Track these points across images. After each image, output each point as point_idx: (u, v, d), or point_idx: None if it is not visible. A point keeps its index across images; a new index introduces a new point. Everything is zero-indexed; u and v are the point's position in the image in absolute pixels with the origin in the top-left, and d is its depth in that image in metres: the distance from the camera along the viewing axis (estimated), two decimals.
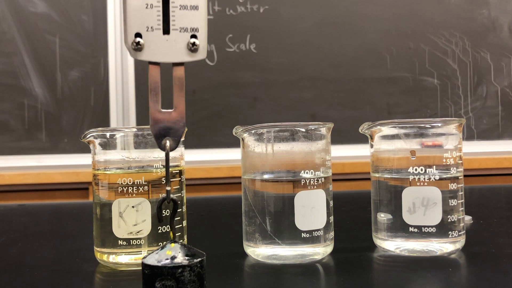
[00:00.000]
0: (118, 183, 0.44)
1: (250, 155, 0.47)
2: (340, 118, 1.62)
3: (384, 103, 1.65)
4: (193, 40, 0.34)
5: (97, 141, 0.46)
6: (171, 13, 0.34)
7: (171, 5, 0.34)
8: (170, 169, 0.36)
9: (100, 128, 0.45)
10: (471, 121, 1.66)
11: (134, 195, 0.44)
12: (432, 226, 0.45)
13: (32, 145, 1.56)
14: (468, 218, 0.62)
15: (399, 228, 0.47)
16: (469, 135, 1.66)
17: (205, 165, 1.54)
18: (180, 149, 0.47)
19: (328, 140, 0.48)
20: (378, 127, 0.49)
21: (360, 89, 1.65)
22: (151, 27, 0.34)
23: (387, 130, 0.49)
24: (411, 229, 0.46)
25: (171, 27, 0.34)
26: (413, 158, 0.46)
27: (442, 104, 1.66)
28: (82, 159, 1.54)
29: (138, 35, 0.34)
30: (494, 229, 0.59)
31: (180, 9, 0.34)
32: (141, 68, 1.58)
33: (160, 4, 0.34)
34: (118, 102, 1.59)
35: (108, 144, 0.45)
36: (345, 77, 1.65)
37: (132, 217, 0.44)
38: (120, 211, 0.44)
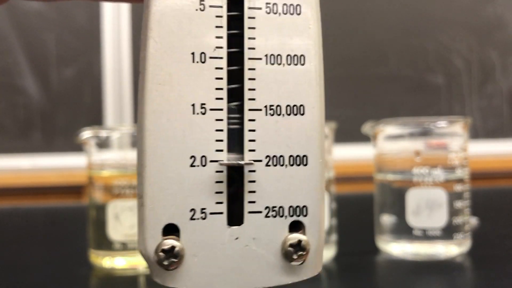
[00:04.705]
0: (114, 185, 0.43)
1: None
2: (343, 117, 1.60)
3: (388, 102, 1.64)
4: (297, 237, 0.18)
5: (92, 141, 0.45)
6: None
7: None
8: None
9: (95, 128, 0.45)
10: (477, 120, 1.65)
11: (130, 196, 0.43)
12: (437, 229, 0.44)
13: (25, 145, 1.55)
14: (474, 220, 0.61)
15: (403, 230, 0.45)
16: (475, 135, 1.64)
17: None
18: None
19: (330, 140, 0.47)
20: (382, 127, 0.48)
21: (364, 87, 1.64)
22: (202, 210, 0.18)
23: (390, 130, 0.48)
24: (415, 231, 0.45)
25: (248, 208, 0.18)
26: (418, 159, 0.45)
27: (447, 103, 1.65)
28: (77, 160, 1.53)
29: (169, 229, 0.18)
30: (501, 232, 0.58)
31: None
32: (137, 67, 1.57)
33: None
34: (115, 100, 1.58)
35: (104, 144, 0.44)
36: (348, 75, 1.64)
37: (129, 219, 0.43)
38: (117, 212, 0.43)
